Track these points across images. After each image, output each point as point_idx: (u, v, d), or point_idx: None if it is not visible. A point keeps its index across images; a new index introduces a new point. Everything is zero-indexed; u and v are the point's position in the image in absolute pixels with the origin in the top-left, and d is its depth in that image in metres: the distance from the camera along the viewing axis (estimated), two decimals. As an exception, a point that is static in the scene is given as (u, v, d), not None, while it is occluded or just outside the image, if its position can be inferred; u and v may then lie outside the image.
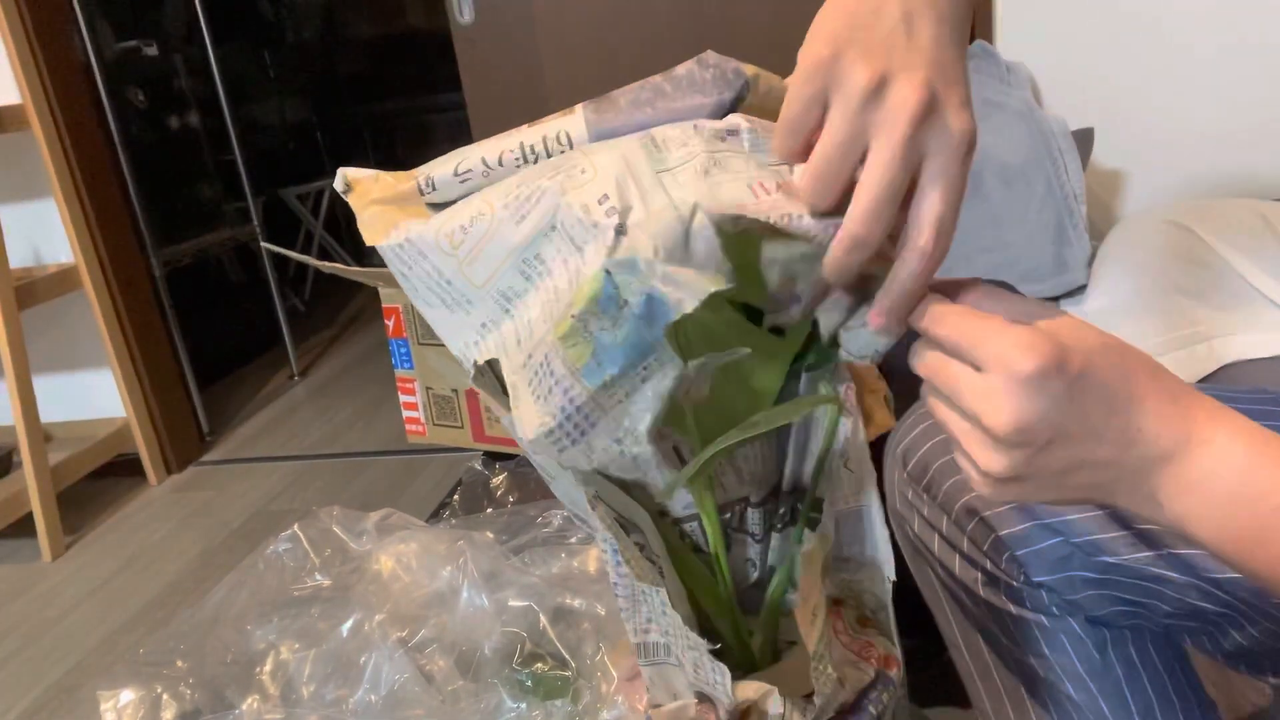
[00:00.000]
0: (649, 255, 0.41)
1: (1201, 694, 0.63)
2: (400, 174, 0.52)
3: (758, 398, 0.50)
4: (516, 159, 0.48)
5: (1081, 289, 1.21)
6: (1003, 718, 0.68)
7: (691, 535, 0.57)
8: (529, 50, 1.89)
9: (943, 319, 0.41)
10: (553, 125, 0.48)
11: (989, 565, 0.61)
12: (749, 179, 0.43)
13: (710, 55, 0.48)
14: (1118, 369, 0.40)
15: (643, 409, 0.45)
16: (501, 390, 0.48)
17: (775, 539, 0.60)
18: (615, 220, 0.42)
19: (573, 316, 0.43)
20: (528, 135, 0.49)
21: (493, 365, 0.48)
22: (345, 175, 0.48)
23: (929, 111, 0.39)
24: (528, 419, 0.44)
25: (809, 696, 0.53)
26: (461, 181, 0.49)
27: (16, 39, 1.90)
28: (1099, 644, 0.61)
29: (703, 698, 0.46)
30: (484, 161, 0.48)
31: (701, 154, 0.44)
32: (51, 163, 1.96)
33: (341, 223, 4.00)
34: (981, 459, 0.41)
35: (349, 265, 0.77)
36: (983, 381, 0.39)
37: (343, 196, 0.48)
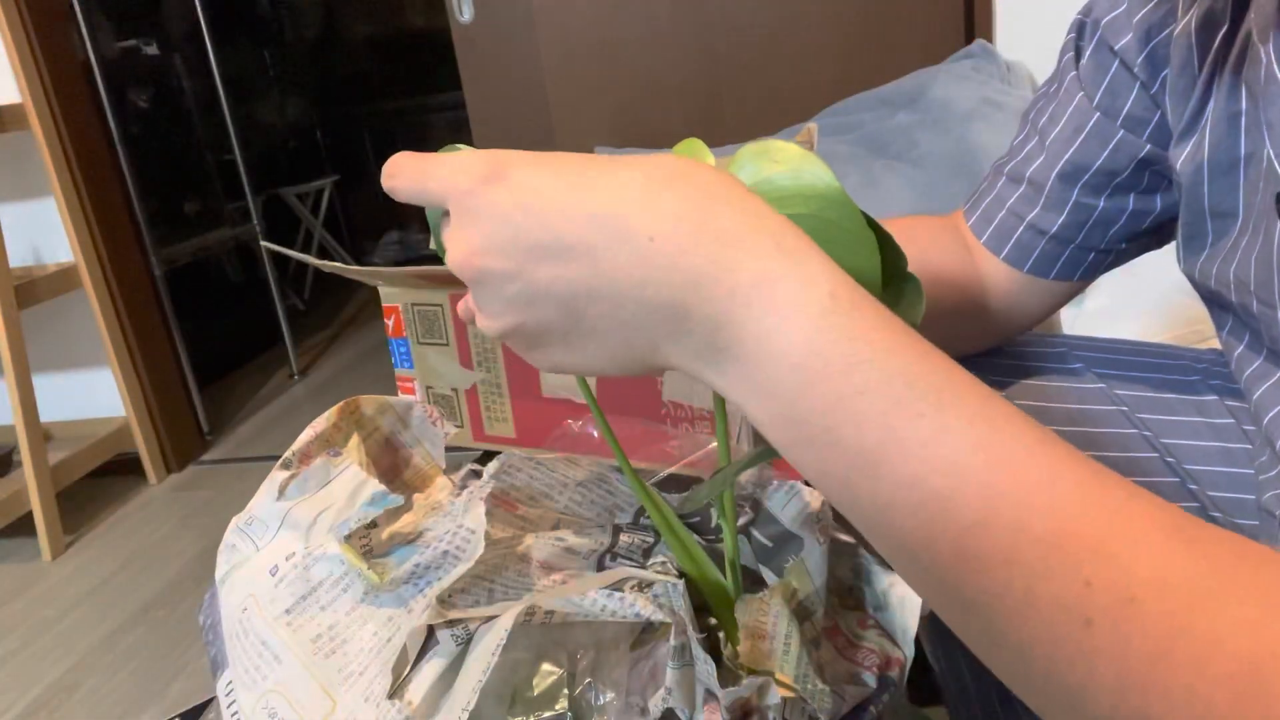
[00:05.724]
0: None
1: None
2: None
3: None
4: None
5: (1081, 288, 1.21)
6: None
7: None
8: (529, 50, 1.89)
9: (397, 170, 0.36)
10: None
11: None
12: None
13: None
14: (572, 165, 0.32)
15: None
16: None
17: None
18: None
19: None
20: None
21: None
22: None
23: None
24: None
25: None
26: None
27: (16, 38, 1.90)
28: None
29: (710, 696, 0.46)
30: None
31: None
32: (51, 162, 1.96)
33: (341, 222, 3.99)
34: (471, 305, 0.36)
35: (348, 264, 0.77)
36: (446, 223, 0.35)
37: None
